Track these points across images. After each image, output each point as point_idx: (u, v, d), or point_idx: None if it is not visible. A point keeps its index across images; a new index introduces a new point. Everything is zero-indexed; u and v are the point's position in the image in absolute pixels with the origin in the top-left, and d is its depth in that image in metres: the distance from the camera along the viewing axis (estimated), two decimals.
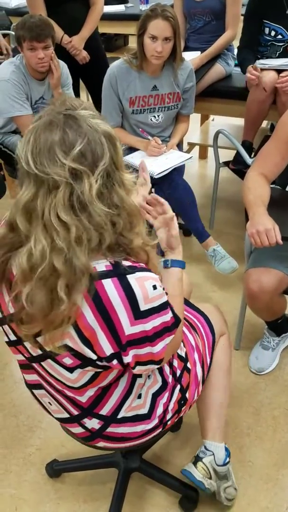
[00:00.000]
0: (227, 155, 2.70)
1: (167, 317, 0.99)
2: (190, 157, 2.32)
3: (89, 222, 0.87)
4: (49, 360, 1.01)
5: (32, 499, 1.53)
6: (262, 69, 2.36)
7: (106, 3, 4.05)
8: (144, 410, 1.15)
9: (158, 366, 1.03)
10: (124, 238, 0.93)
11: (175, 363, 1.23)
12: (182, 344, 1.26)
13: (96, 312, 0.91)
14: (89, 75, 2.93)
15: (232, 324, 2.11)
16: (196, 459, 1.39)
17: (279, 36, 2.48)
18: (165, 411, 1.19)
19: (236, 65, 2.82)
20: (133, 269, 0.93)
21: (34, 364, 1.08)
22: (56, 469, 1.58)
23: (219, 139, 2.55)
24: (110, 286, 0.90)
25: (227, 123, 3.15)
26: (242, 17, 2.64)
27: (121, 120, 2.40)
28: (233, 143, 2.39)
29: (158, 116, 2.37)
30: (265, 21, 2.47)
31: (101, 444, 1.19)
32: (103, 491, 1.54)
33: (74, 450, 1.65)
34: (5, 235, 0.93)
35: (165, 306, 0.98)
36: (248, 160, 2.32)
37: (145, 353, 0.98)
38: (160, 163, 2.24)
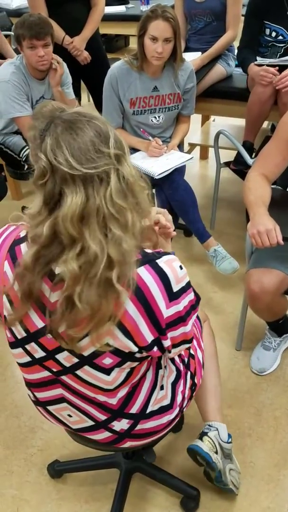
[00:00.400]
0: (228, 155, 2.70)
1: (192, 295, 1.03)
2: (191, 158, 2.32)
3: (136, 204, 0.90)
4: (85, 367, 1.01)
5: (33, 499, 1.54)
6: (259, 65, 2.36)
7: (107, 4, 4.05)
8: (167, 401, 1.18)
9: (190, 344, 1.07)
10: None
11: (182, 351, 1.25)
12: None
13: (136, 302, 0.93)
14: (90, 76, 2.93)
15: (234, 325, 2.11)
16: (202, 435, 1.41)
17: (280, 37, 2.48)
18: (183, 399, 1.23)
19: (236, 66, 2.82)
20: (159, 254, 0.96)
21: (63, 377, 1.06)
22: (57, 470, 1.58)
23: (220, 140, 2.55)
24: (145, 274, 0.93)
25: (228, 124, 3.15)
26: (242, 18, 2.64)
27: (122, 121, 2.40)
28: (234, 144, 2.39)
29: (158, 117, 2.37)
30: (265, 21, 2.48)
31: (128, 444, 1.18)
32: (105, 491, 1.55)
33: (76, 450, 1.65)
34: (42, 253, 0.90)
35: (190, 284, 1.02)
36: (249, 160, 2.32)
37: (179, 334, 1.01)
38: (161, 164, 2.24)
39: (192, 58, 2.62)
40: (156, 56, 2.13)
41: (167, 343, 1.00)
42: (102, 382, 1.03)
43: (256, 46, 2.56)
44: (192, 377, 1.27)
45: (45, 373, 1.08)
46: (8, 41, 3.43)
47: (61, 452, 1.66)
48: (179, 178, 2.26)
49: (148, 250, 0.97)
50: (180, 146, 2.49)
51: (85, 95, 3.91)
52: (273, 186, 1.65)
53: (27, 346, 1.04)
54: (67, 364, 1.03)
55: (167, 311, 0.96)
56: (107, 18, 3.94)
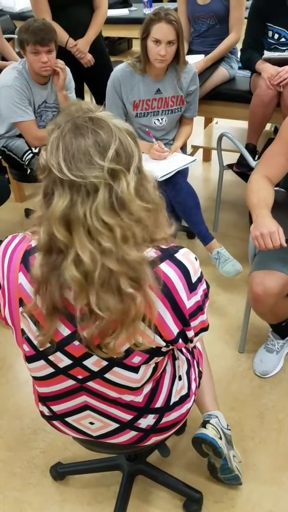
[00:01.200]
0: (230, 157, 2.70)
1: (204, 284, 1.04)
2: (194, 160, 2.32)
3: (129, 220, 0.87)
4: (115, 368, 1.01)
5: (36, 501, 1.54)
6: (267, 60, 2.37)
7: (110, 7, 4.06)
8: (185, 390, 1.20)
9: (206, 332, 1.09)
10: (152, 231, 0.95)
11: None
12: None
13: (163, 298, 0.94)
14: (93, 78, 2.94)
15: (237, 327, 2.10)
16: (204, 423, 1.43)
17: (282, 39, 2.48)
18: (196, 387, 1.26)
19: (240, 68, 2.82)
20: (176, 248, 0.98)
21: (89, 383, 1.05)
22: (60, 472, 1.58)
23: (223, 142, 2.55)
24: (167, 269, 0.94)
25: (231, 126, 3.15)
26: (245, 21, 2.65)
27: None
28: (236, 146, 2.39)
29: (161, 119, 2.38)
30: (268, 24, 2.48)
31: (152, 440, 1.19)
32: (107, 494, 1.54)
33: (78, 453, 1.65)
34: (45, 261, 0.89)
35: (202, 274, 1.03)
36: (252, 162, 2.32)
37: (199, 323, 1.03)
38: (163, 166, 2.25)
39: (195, 61, 2.62)
40: (159, 58, 2.13)
41: (190, 333, 1.02)
42: (131, 381, 1.04)
43: (259, 48, 2.56)
44: (198, 366, 1.30)
45: (69, 382, 1.06)
46: (11, 44, 3.45)
47: (64, 454, 1.66)
48: (182, 180, 2.26)
49: (165, 245, 0.98)
50: (183, 148, 2.50)
51: (88, 98, 3.92)
52: (276, 188, 1.65)
53: (50, 357, 1.02)
54: (96, 369, 1.02)
55: (188, 302, 0.98)
56: (110, 21, 3.94)
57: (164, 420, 1.16)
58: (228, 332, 2.10)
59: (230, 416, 1.73)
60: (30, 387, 1.20)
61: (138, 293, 0.88)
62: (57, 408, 1.14)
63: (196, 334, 1.05)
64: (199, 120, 3.04)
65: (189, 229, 2.44)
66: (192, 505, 1.47)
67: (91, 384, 1.06)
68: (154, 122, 2.37)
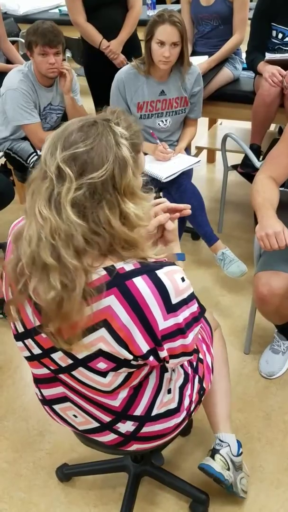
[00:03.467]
0: (235, 158, 2.70)
1: (194, 307, 1.01)
2: (198, 161, 2.32)
3: (62, 223, 0.88)
4: (80, 369, 1.01)
5: (42, 503, 1.54)
6: (270, 62, 2.36)
7: None
8: (174, 404, 1.17)
9: (190, 357, 1.06)
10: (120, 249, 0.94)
11: None
12: None
13: (130, 311, 0.92)
14: None
15: (242, 328, 2.10)
16: (213, 452, 1.40)
17: (286, 39, 2.48)
18: (191, 402, 1.22)
19: (244, 69, 2.82)
20: (161, 264, 0.95)
21: (61, 375, 1.07)
22: (66, 473, 1.58)
23: (227, 143, 2.55)
24: (141, 284, 0.92)
25: (235, 127, 3.15)
26: (249, 22, 2.65)
27: None
28: (241, 147, 2.39)
29: (165, 120, 2.38)
30: (273, 23, 2.48)
31: (134, 447, 1.18)
32: (113, 495, 1.54)
33: (84, 454, 1.65)
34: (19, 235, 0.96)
35: (193, 296, 1.01)
36: (257, 163, 2.32)
37: (178, 346, 1.00)
38: (168, 167, 2.25)
39: (199, 62, 2.62)
40: (163, 60, 2.14)
41: (163, 354, 0.99)
42: (98, 384, 1.03)
43: (264, 50, 2.56)
44: (200, 381, 1.27)
45: (44, 370, 1.09)
46: (15, 47, 3.46)
47: (70, 455, 1.66)
48: (186, 181, 2.26)
49: (151, 259, 0.95)
50: (187, 150, 2.50)
51: (89, 99, 3.92)
52: (281, 189, 1.65)
53: (26, 341, 1.05)
54: (63, 364, 1.03)
55: (164, 322, 0.95)
56: None
57: (146, 429, 1.14)
58: (233, 333, 2.10)
59: (236, 417, 1.73)
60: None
61: (70, 293, 0.88)
62: (45, 392, 1.15)
63: (176, 357, 1.02)
64: (203, 121, 3.04)
65: (193, 230, 2.44)
66: (199, 507, 1.47)
67: (63, 377, 1.07)
68: (158, 124, 2.37)
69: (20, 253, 0.93)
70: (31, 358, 1.08)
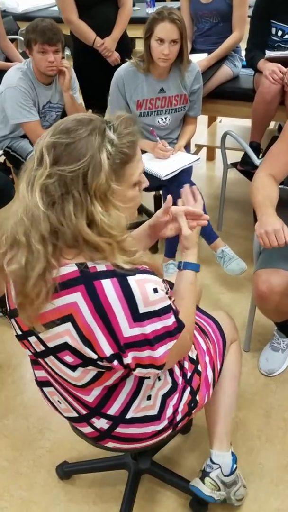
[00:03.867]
0: (234, 156, 2.69)
1: (169, 321, 0.98)
2: (198, 159, 2.32)
3: (32, 206, 0.91)
4: (51, 357, 1.02)
5: (42, 501, 1.54)
6: (269, 59, 2.35)
7: None
8: (154, 412, 1.15)
9: (160, 371, 1.03)
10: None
11: (186, 365, 1.23)
12: (193, 347, 1.26)
13: (94, 312, 0.92)
14: None
15: (242, 326, 2.10)
16: (203, 475, 1.38)
17: (286, 36, 2.48)
18: (175, 413, 1.19)
19: (243, 66, 2.82)
20: (134, 271, 0.93)
21: (40, 360, 1.09)
22: (66, 471, 1.58)
23: (227, 141, 2.54)
24: (109, 286, 0.91)
25: (235, 125, 3.14)
26: (248, 19, 2.64)
27: None
28: (241, 144, 2.38)
29: (165, 118, 2.37)
30: (272, 21, 2.47)
31: (111, 444, 1.19)
32: (113, 493, 1.54)
33: (84, 452, 1.65)
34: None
35: (167, 310, 0.98)
36: (256, 161, 2.32)
37: (146, 357, 0.98)
38: (167, 165, 2.24)
39: (199, 60, 2.62)
40: (162, 58, 2.13)
41: (127, 360, 0.97)
42: (69, 377, 1.04)
43: (264, 47, 2.55)
44: (193, 393, 1.23)
45: (28, 352, 1.10)
46: (14, 45, 3.46)
47: (70, 453, 1.67)
48: (186, 179, 2.26)
49: (127, 266, 0.93)
50: (187, 147, 2.49)
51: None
52: (280, 186, 1.65)
53: (12, 320, 1.08)
54: (37, 349, 1.05)
55: (130, 330, 0.94)
56: None
57: (120, 430, 1.14)
58: None
59: (236, 415, 1.73)
60: (36, 386, 1.21)
61: (30, 273, 0.91)
62: (36, 374, 1.17)
63: (144, 367, 1.00)
64: (202, 119, 3.04)
65: None
66: (198, 504, 1.47)
67: (42, 362, 1.08)
68: (158, 121, 2.37)
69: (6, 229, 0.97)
70: (18, 338, 1.10)
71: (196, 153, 2.99)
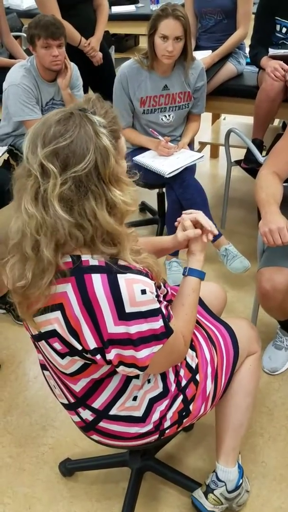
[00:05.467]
0: (238, 154, 2.69)
1: (156, 324, 0.98)
2: (202, 156, 2.31)
3: (50, 218, 0.90)
4: (43, 342, 1.03)
5: (45, 497, 1.54)
6: (272, 57, 2.34)
7: (117, 4, 4.07)
8: (139, 413, 1.14)
9: (141, 372, 1.03)
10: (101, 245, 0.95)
11: (182, 372, 1.19)
12: (194, 355, 1.22)
13: (81, 304, 0.93)
14: (99, 77, 2.93)
15: None
16: (207, 490, 1.37)
17: None
18: (162, 419, 1.16)
19: (247, 64, 2.81)
20: (125, 270, 0.94)
21: (37, 343, 1.10)
22: (69, 468, 1.59)
23: (231, 138, 2.54)
24: (97, 281, 0.92)
25: (239, 122, 3.13)
26: (253, 16, 2.63)
27: (132, 120, 2.40)
28: (245, 142, 2.38)
29: (169, 115, 2.37)
30: (276, 17, 2.46)
31: (96, 437, 1.20)
32: (116, 490, 1.55)
33: (87, 449, 1.66)
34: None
35: (155, 313, 0.97)
36: (260, 158, 2.31)
37: (128, 356, 0.98)
38: (171, 163, 2.24)
39: (203, 57, 2.61)
40: (166, 54, 2.13)
41: (109, 356, 0.97)
42: (58, 364, 1.05)
43: (267, 44, 2.54)
44: (186, 403, 1.19)
45: (28, 334, 1.12)
46: (18, 42, 3.45)
47: (73, 450, 1.67)
48: (189, 177, 2.26)
49: (123, 262, 0.95)
50: (191, 145, 2.49)
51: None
52: (285, 184, 1.64)
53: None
54: (32, 332, 1.06)
55: (114, 327, 0.94)
56: (117, 17, 3.94)
57: (103, 425, 1.14)
58: None
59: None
60: (40, 383, 1.21)
61: (38, 282, 0.93)
62: (38, 356, 1.17)
63: (126, 366, 1.00)
64: (206, 116, 3.03)
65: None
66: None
67: (39, 345, 1.09)
68: (162, 119, 2.37)
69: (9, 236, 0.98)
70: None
71: (199, 150, 2.98)
